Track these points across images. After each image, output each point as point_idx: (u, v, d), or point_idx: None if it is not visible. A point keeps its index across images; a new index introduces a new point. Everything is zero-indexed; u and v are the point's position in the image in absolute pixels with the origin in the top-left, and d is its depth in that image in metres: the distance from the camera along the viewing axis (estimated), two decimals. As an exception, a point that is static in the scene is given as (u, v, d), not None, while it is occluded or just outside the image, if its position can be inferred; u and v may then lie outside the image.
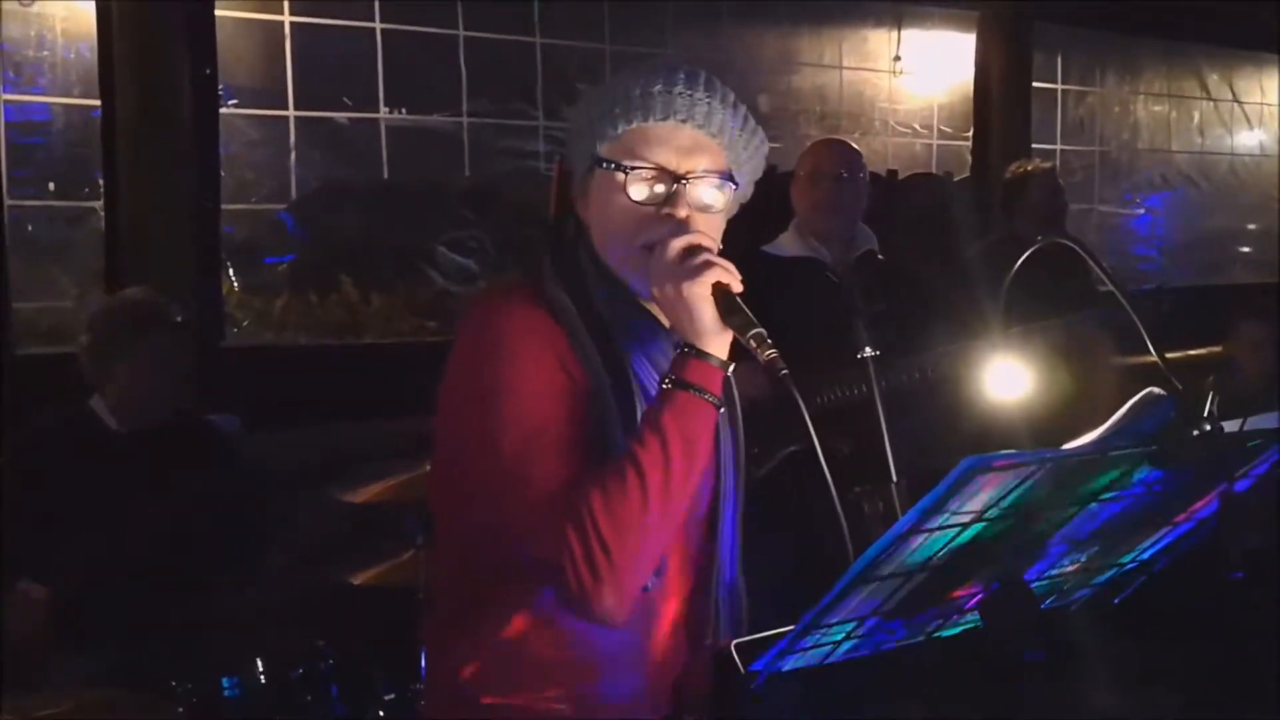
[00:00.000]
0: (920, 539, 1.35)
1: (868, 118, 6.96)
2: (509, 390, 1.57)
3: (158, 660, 2.86)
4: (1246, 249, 9.29)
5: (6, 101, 4.47)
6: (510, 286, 1.73)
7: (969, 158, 7.14)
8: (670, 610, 1.72)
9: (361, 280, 5.40)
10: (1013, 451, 1.28)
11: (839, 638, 1.53)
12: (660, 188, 1.62)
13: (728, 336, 1.55)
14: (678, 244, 1.54)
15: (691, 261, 1.53)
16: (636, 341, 1.67)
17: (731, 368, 1.58)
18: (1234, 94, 9.03)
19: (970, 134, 7.12)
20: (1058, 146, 7.81)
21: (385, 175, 5.43)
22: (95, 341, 3.21)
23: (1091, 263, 1.80)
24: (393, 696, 3.03)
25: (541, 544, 1.51)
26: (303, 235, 5.31)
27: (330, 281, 5.36)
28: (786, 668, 1.53)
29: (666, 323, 1.64)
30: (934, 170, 7.08)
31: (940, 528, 1.34)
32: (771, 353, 1.51)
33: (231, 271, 5.07)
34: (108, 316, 3.27)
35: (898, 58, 6.91)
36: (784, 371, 1.51)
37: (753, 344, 1.52)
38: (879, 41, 6.93)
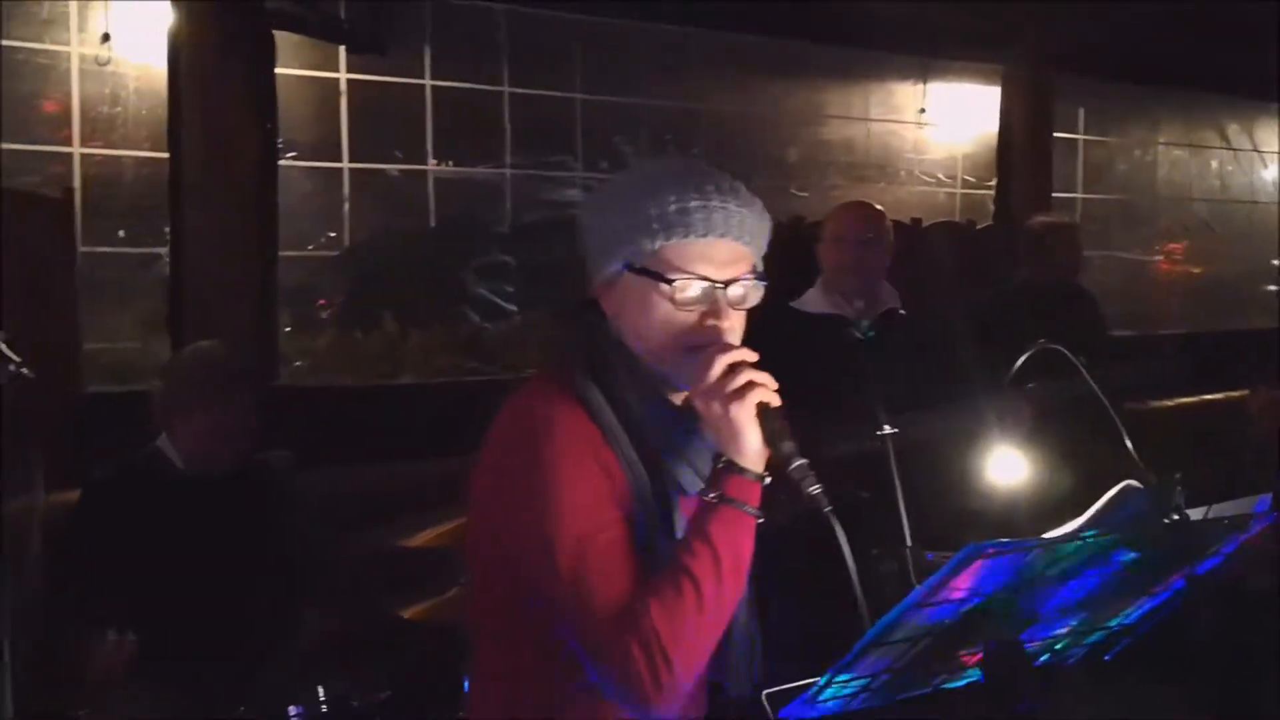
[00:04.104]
0: (926, 610, 1.57)
1: (893, 168, 7.16)
2: (559, 500, 1.62)
3: (227, 689, 3.03)
4: (1274, 286, 9.41)
5: (82, 154, 4.72)
6: (544, 385, 1.74)
7: (991, 206, 7.33)
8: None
9: (404, 322, 5.64)
10: (1004, 540, 1.50)
11: (856, 690, 1.75)
12: (702, 294, 1.70)
13: (765, 451, 1.63)
14: (721, 362, 1.63)
15: (735, 382, 1.61)
16: (668, 439, 1.73)
17: (768, 479, 1.65)
18: (1253, 143, 9.19)
19: (993, 183, 7.33)
20: (1079, 195, 7.99)
21: (432, 224, 5.67)
22: (168, 390, 3.33)
23: (1075, 363, 2.02)
24: (441, 725, 3.20)
25: (602, 651, 1.58)
26: (353, 280, 5.54)
27: (375, 322, 5.60)
28: (811, 716, 1.75)
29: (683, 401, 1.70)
30: (957, 218, 7.27)
31: (944, 601, 1.57)
32: (816, 488, 1.59)
33: (286, 315, 5.28)
34: (181, 367, 3.41)
35: (923, 110, 7.11)
36: (828, 509, 1.59)
37: (795, 477, 1.60)
38: (905, 94, 7.15)
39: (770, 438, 1.61)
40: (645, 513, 1.68)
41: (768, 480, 1.65)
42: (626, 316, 1.74)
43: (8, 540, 1.59)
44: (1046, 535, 1.61)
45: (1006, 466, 2.42)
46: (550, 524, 1.62)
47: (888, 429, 2.58)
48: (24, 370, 1.45)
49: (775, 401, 1.64)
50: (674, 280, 1.69)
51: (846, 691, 1.73)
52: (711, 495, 1.64)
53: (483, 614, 1.83)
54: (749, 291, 1.74)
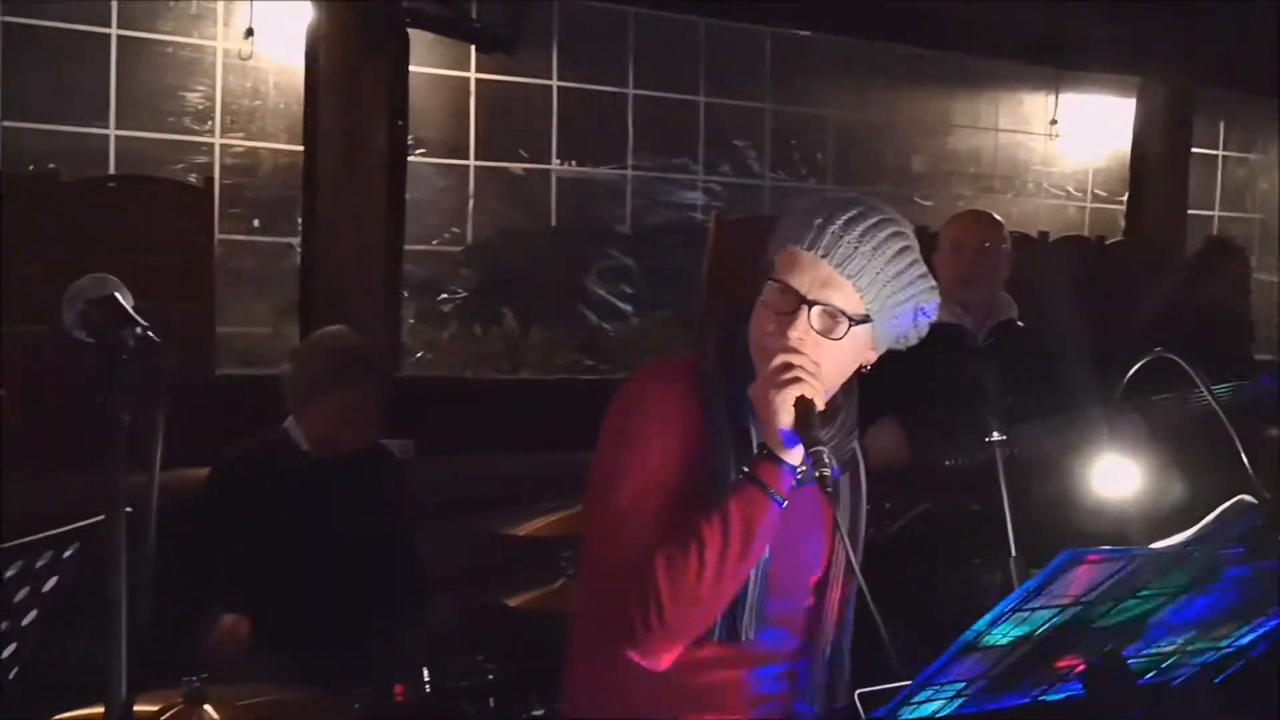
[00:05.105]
0: (1023, 616, 1.56)
1: (1021, 179, 7.02)
2: (629, 453, 1.81)
3: (339, 665, 3.13)
4: None
5: (222, 145, 4.91)
6: (663, 367, 1.95)
7: (1122, 222, 7.15)
8: (779, 667, 1.92)
9: (523, 319, 5.73)
10: (1106, 547, 1.48)
11: (951, 694, 1.74)
12: (781, 300, 1.81)
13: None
14: (777, 359, 1.76)
15: (783, 375, 1.74)
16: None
17: (801, 471, 1.77)
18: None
19: (1125, 198, 7.14)
20: (1215, 213, 7.72)
21: (554, 223, 5.75)
22: (296, 374, 3.47)
23: (1193, 374, 1.97)
24: (542, 713, 3.25)
25: (611, 589, 1.78)
26: (475, 276, 5.65)
27: (495, 318, 5.71)
28: (904, 718, 1.74)
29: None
30: (1086, 233, 7.10)
31: (1041, 607, 1.55)
32: (824, 470, 1.69)
33: (409, 307, 5.41)
34: (310, 353, 3.55)
35: (1054, 121, 6.96)
36: (830, 490, 1.71)
37: (813, 458, 1.70)
38: (1035, 105, 7.00)
39: (801, 425, 1.71)
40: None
41: (800, 471, 1.77)
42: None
43: (131, 512, 1.67)
44: (1154, 545, 1.58)
45: (1118, 480, 2.37)
46: (617, 470, 1.80)
47: (996, 435, 2.55)
48: (150, 334, 1.53)
49: (819, 404, 1.74)
50: (770, 280, 1.83)
51: (941, 696, 1.72)
52: (740, 473, 1.77)
53: (580, 606, 1.99)
54: (836, 326, 1.79)
